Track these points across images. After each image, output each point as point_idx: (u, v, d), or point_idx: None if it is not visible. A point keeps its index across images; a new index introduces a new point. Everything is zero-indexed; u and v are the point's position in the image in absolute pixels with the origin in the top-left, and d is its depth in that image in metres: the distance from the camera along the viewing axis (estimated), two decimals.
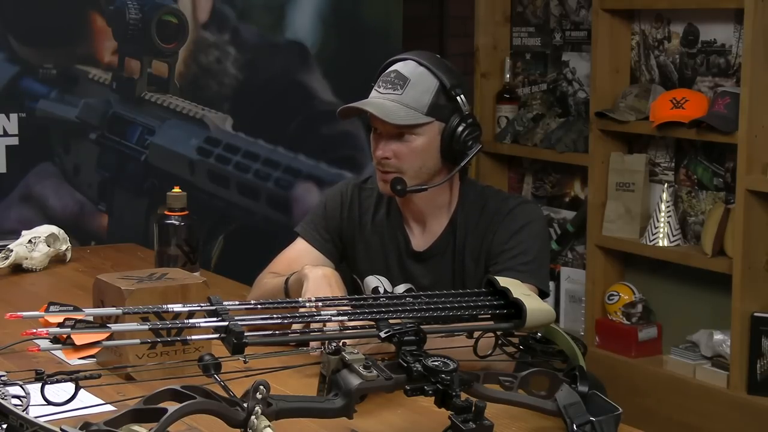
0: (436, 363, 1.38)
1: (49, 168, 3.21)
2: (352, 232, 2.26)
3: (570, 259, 4.10)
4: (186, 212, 2.44)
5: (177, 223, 2.43)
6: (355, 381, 1.35)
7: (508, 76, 4.23)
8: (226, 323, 1.36)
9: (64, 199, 3.23)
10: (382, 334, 1.43)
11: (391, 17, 3.71)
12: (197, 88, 3.41)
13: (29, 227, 2.73)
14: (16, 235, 2.71)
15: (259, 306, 1.47)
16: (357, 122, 2.19)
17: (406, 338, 1.42)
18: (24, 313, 1.33)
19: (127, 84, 3.30)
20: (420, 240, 2.21)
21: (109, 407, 1.58)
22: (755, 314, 3.23)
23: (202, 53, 3.41)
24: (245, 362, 1.36)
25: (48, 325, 1.97)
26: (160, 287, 1.80)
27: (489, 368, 1.57)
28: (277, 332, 1.47)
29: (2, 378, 1.38)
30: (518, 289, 1.57)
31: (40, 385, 1.33)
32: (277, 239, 2.53)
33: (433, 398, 1.38)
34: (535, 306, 1.54)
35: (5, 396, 1.31)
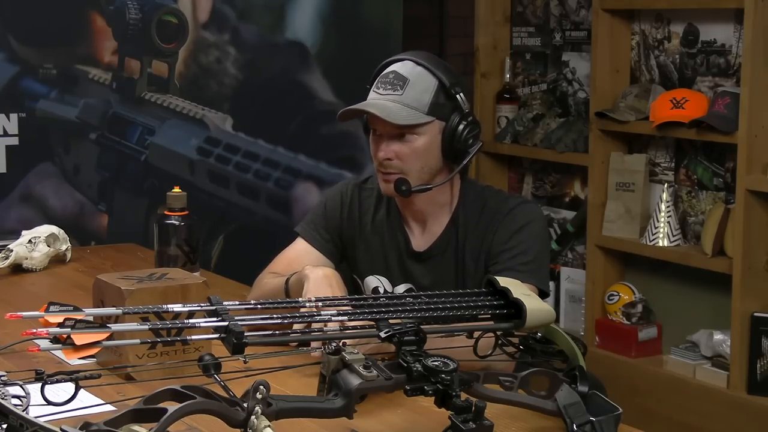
0: (436, 363, 1.38)
1: (49, 168, 3.21)
2: (352, 232, 2.26)
3: (570, 259, 4.10)
4: (186, 212, 2.44)
5: (177, 223, 2.43)
6: (355, 381, 1.35)
7: (508, 76, 4.23)
8: (226, 323, 1.36)
9: (64, 199, 3.23)
10: (382, 334, 1.43)
11: (391, 17, 3.71)
12: (197, 88, 3.41)
13: (29, 227, 2.73)
14: (16, 235, 2.71)
15: (259, 306, 1.47)
16: (357, 122, 2.19)
17: (406, 338, 1.43)
18: (24, 313, 1.33)
19: (127, 84, 3.30)
20: (420, 240, 2.21)
21: (109, 407, 1.58)
22: (755, 314, 3.23)
23: (202, 53, 3.41)
24: (245, 362, 1.36)
25: (48, 325, 1.97)
26: (160, 287, 1.80)
27: (489, 368, 1.57)
28: (277, 332, 1.47)
29: (2, 378, 1.38)
30: (518, 289, 1.57)
31: (40, 385, 1.33)
32: (277, 239, 2.53)
33: (433, 398, 1.38)
34: (535, 306, 1.54)
35: (5, 396, 1.31)
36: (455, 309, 1.53)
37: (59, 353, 1.92)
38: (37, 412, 1.29)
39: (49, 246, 2.68)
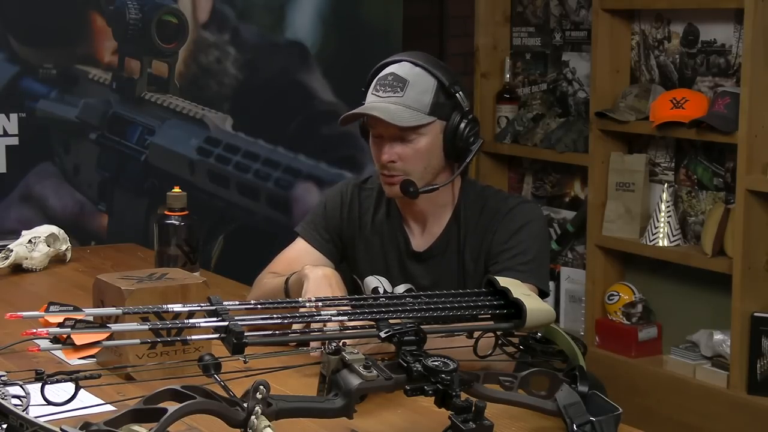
0: (436, 363, 1.38)
1: (49, 168, 3.21)
2: (352, 232, 2.26)
3: (570, 259, 4.10)
4: (186, 212, 2.44)
5: (177, 223, 2.43)
6: (355, 381, 1.35)
7: (508, 76, 4.23)
8: (226, 323, 1.36)
9: (64, 199, 3.23)
10: (382, 334, 1.43)
11: (391, 17, 3.71)
12: (197, 88, 3.41)
13: (29, 227, 2.73)
14: (16, 235, 2.71)
15: (259, 306, 1.47)
16: (357, 122, 2.19)
17: (406, 338, 1.43)
18: (24, 313, 1.33)
19: (127, 84, 3.30)
20: (420, 240, 2.21)
21: (109, 407, 1.58)
22: (755, 314, 3.23)
23: (202, 53, 3.41)
24: (245, 362, 1.36)
25: (48, 325, 1.97)
26: (160, 287, 1.80)
27: (489, 368, 1.57)
28: (277, 332, 1.47)
29: (2, 378, 1.38)
30: (518, 289, 1.57)
31: (40, 385, 1.33)
32: (277, 239, 2.54)
33: (433, 398, 1.38)
34: (535, 306, 1.54)
35: (5, 396, 1.31)
36: (455, 309, 1.53)
37: (59, 353, 1.92)
38: (37, 412, 1.29)
39: (49, 246, 2.68)
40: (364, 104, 2.12)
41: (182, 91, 3.38)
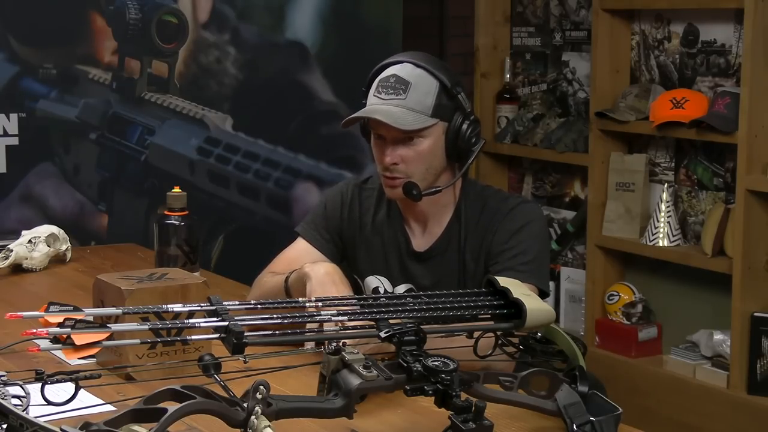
0: (436, 363, 1.38)
1: (49, 168, 3.21)
2: (353, 232, 2.26)
3: (570, 259, 4.10)
4: (186, 212, 2.44)
5: (177, 223, 2.43)
6: (355, 381, 1.35)
7: (508, 76, 4.23)
8: (226, 323, 1.36)
9: (64, 199, 3.23)
10: (382, 334, 1.43)
11: (391, 17, 3.71)
12: (197, 88, 3.41)
13: (29, 227, 2.73)
14: (16, 235, 2.71)
15: (259, 306, 1.47)
16: (358, 123, 2.19)
17: (406, 338, 1.42)
18: (24, 313, 1.33)
19: (127, 84, 3.30)
20: (420, 240, 2.21)
21: (109, 407, 1.58)
22: (755, 314, 3.23)
23: (202, 53, 3.41)
24: (245, 362, 1.36)
25: (48, 325, 1.97)
26: (160, 287, 1.80)
27: (489, 368, 1.57)
28: (277, 332, 1.47)
29: (2, 378, 1.38)
30: (518, 289, 1.57)
31: (40, 385, 1.33)
32: (277, 239, 2.54)
33: (433, 398, 1.38)
34: (535, 306, 1.54)
35: (5, 396, 1.31)
36: (455, 309, 1.53)
37: (59, 353, 1.92)
38: (37, 412, 1.29)
39: (49, 246, 2.68)
40: (365, 105, 2.12)
41: (182, 91, 3.38)
